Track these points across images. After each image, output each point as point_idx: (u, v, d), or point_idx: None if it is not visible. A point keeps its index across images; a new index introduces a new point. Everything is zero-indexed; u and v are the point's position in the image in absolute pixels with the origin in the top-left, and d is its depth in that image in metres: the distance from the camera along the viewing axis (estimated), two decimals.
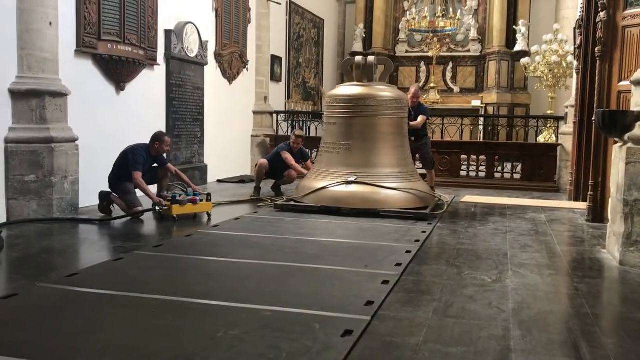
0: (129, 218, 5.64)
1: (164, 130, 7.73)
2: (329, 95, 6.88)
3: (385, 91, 6.63)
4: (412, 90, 7.64)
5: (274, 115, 11.17)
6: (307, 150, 8.34)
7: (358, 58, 6.73)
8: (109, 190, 5.86)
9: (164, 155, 6.20)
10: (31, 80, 5.37)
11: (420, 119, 7.46)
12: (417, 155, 7.72)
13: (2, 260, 4.07)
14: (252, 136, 10.63)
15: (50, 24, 5.46)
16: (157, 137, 6.03)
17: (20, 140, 5.33)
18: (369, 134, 6.40)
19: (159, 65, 7.53)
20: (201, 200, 5.79)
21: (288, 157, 7.41)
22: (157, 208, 5.65)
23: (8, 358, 2.35)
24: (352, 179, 6.16)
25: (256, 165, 7.79)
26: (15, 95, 5.33)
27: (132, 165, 5.72)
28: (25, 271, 3.84)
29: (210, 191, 6.35)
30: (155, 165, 6.12)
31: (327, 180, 6.30)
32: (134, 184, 5.76)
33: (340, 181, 6.21)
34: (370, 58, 6.74)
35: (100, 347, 2.50)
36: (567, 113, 9.27)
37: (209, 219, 5.71)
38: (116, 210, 5.85)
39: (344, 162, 6.37)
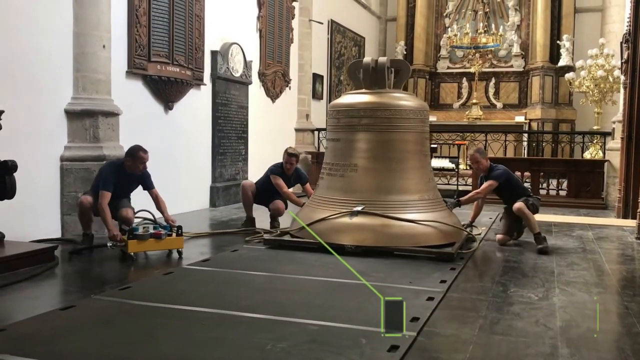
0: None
1: (209, 147, 7.95)
2: (331, 105, 5.79)
3: (401, 99, 5.43)
4: (469, 154, 5.95)
5: (316, 133, 11.35)
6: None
7: (367, 59, 5.53)
8: None
9: (148, 176, 5.17)
10: (85, 100, 5.61)
11: (483, 188, 5.67)
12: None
13: (57, 274, 4.24)
14: None
15: (104, 46, 5.71)
16: (128, 152, 5.07)
17: (74, 158, 5.56)
18: (380, 153, 5.25)
19: (205, 85, 7.74)
20: (168, 235, 4.78)
21: (279, 182, 6.02)
22: (110, 244, 4.72)
23: None
24: (359, 208, 5.04)
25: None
26: (71, 115, 5.58)
27: (100, 184, 4.91)
28: (80, 284, 4.01)
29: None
30: (120, 199, 5.10)
31: (328, 210, 5.17)
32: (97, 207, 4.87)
33: (343, 211, 5.09)
34: (382, 59, 5.47)
35: (153, 357, 2.60)
36: (614, 128, 9.11)
37: (180, 257, 4.77)
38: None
39: (348, 187, 5.25)
